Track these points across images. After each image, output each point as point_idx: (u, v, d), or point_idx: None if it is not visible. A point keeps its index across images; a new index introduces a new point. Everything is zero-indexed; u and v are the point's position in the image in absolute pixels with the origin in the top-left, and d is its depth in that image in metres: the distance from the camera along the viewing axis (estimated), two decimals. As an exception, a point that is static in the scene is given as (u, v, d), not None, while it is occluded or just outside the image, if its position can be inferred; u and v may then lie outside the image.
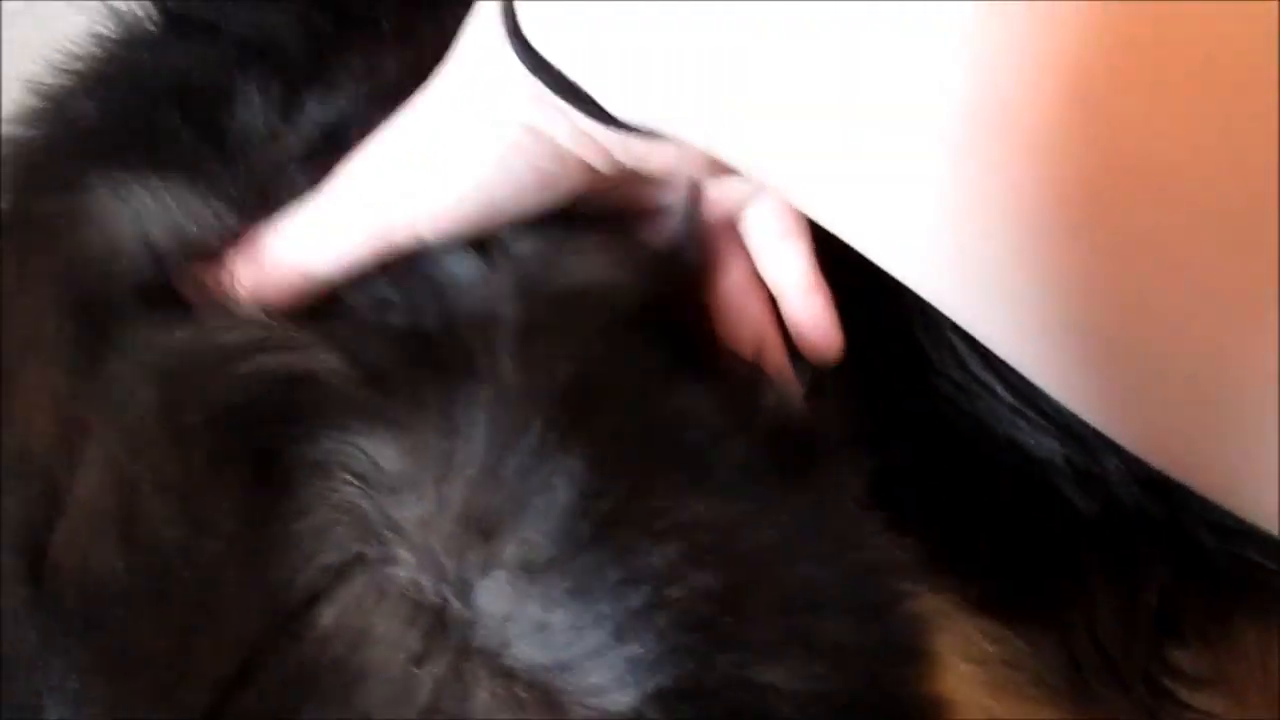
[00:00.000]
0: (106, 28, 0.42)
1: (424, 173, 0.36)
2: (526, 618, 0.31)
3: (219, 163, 0.37)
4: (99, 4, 0.42)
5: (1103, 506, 0.42)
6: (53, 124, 0.40)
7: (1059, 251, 0.24)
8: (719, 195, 0.40)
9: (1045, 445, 0.42)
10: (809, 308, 0.39)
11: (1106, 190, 0.23)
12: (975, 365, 0.42)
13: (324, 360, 0.34)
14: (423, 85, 0.36)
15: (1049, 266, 0.25)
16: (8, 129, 0.41)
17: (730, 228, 0.41)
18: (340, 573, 0.32)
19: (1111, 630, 0.41)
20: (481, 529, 0.32)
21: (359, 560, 0.32)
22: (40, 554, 0.32)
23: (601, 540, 0.32)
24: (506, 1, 0.32)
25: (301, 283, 0.37)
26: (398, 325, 0.36)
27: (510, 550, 0.32)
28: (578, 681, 0.31)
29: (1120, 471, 0.42)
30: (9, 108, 0.41)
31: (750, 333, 0.40)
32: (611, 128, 0.33)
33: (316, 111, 0.38)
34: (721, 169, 0.33)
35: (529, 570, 0.31)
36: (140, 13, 0.42)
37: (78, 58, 0.41)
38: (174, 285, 0.37)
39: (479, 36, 0.35)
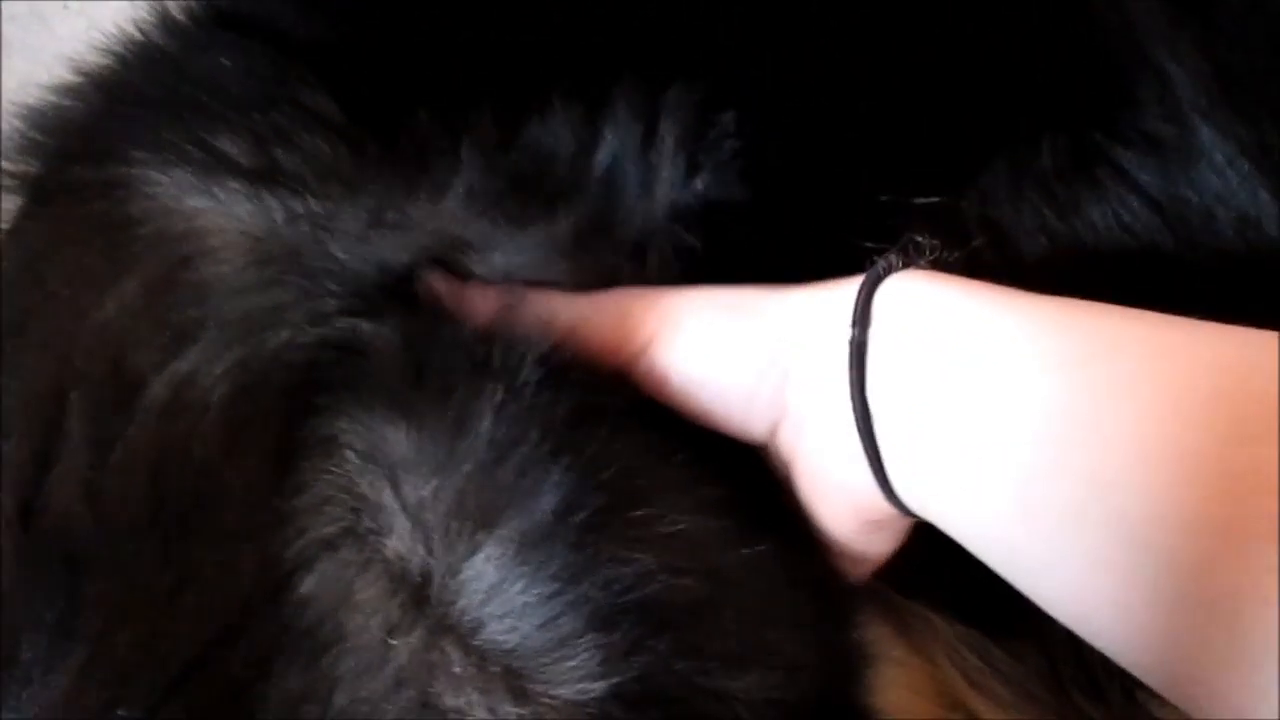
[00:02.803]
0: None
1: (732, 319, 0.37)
2: (505, 600, 0.32)
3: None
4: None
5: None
6: (93, 98, 0.42)
7: None
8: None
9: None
10: None
11: None
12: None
13: (387, 340, 0.36)
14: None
15: None
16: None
17: None
18: (329, 544, 0.33)
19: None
20: (473, 518, 0.33)
21: (348, 533, 0.34)
22: (36, 495, 0.33)
23: (584, 543, 0.33)
24: (856, 349, 0.34)
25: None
26: (453, 334, 0.37)
27: (498, 540, 0.33)
28: (546, 668, 0.32)
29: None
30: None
31: None
32: (882, 491, 0.34)
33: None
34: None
35: (513, 558, 0.33)
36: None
37: (121, 40, 0.42)
38: None
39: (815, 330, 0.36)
